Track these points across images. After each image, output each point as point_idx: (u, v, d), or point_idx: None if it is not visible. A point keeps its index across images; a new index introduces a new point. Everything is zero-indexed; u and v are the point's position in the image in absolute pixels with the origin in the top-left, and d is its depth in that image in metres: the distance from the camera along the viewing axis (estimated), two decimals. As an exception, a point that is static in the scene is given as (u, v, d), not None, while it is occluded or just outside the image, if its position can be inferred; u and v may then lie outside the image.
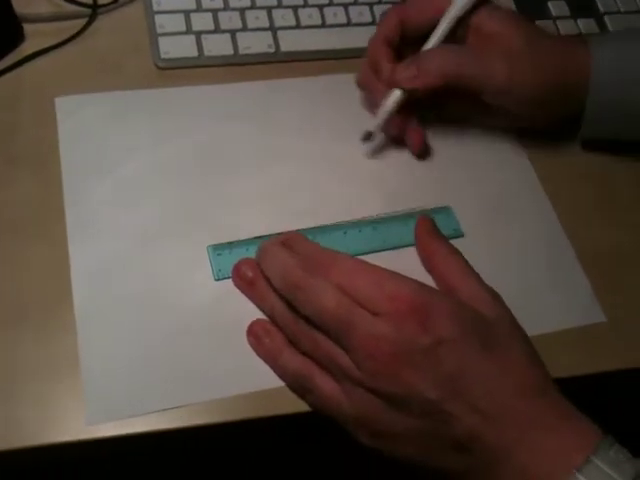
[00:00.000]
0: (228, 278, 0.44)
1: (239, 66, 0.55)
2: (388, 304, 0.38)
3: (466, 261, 0.43)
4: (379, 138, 0.51)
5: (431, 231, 0.46)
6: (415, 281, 0.39)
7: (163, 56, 0.53)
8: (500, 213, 0.51)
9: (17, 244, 0.45)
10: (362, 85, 0.53)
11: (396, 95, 0.49)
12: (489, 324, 0.39)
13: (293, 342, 0.41)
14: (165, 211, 0.47)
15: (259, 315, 0.44)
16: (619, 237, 0.52)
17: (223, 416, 0.41)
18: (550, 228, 0.51)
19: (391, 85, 0.49)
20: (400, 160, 0.52)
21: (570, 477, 0.34)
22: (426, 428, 0.37)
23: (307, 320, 0.39)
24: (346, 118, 0.54)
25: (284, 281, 0.40)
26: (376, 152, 0.52)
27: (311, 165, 0.50)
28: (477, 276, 0.42)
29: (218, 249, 0.45)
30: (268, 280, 0.42)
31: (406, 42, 0.51)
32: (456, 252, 0.44)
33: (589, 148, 0.56)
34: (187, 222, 0.47)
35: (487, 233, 0.50)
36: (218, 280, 0.44)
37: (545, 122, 0.52)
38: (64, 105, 0.51)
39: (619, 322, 0.48)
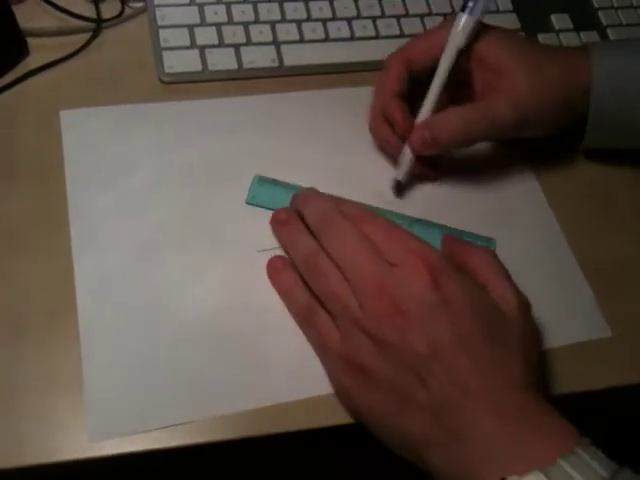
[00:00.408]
0: (257, 206, 0.48)
1: (243, 80, 0.55)
2: (407, 256, 0.40)
3: (501, 263, 0.43)
4: (406, 181, 0.51)
5: (461, 240, 0.46)
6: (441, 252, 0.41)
7: (167, 70, 0.53)
8: (504, 225, 0.51)
9: (20, 257, 0.45)
10: (376, 134, 0.52)
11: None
12: (501, 318, 0.39)
13: (308, 279, 0.43)
14: (168, 223, 0.47)
15: (261, 327, 0.44)
16: (623, 250, 0.52)
17: (226, 434, 0.41)
18: (554, 241, 0.51)
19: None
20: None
21: (552, 466, 0.33)
22: (406, 383, 0.37)
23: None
24: (350, 131, 0.54)
25: (319, 217, 0.43)
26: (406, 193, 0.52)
27: (315, 178, 0.50)
28: (510, 278, 0.42)
29: (262, 180, 0.49)
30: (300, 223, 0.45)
31: (415, 81, 0.51)
32: (492, 252, 0.44)
33: (592, 160, 0.56)
34: (190, 234, 0.47)
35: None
36: (248, 204, 0.49)
37: (547, 133, 0.52)
38: (69, 118, 0.51)
39: (624, 336, 0.48)
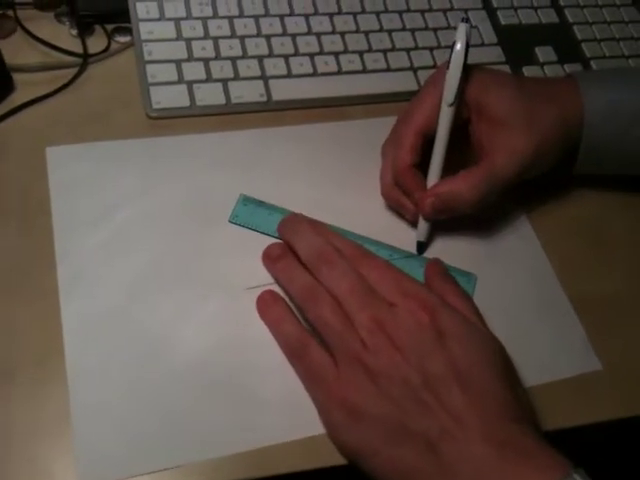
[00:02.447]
0: (239, 226, 0.49)
1: (231, 115, 0.55)
2: (403, 297, 0.41)
3: (475, 305, 0.44)
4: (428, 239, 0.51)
5: (442, 273, 0.47)
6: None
7: (155, 106, 0.53)
8: (492, 260, 0.51)
9: (6, 298, 0.44)
10: (391, 201, 0.52)
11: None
12: (492, 352, 0.41)
13: (306, 310, 0.43)
14: (156, 262, 0.47)
15: (251, 366, 0.44)
16: (612, 284, 0.52)
17: (216, 477, 0.40)
18: (543, 275, 0.51)
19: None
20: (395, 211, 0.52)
21: None
22: (400, 417, 0.38)
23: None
24: (338, 165, 0.54)
25: (314, 253, 0.44)
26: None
27: (304, 211, 0.50)
28: (484, 321, 0.43)
29: (247, 200, 0.50)
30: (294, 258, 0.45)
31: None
32: (466, 295, 0.45)
33: (582, 193, 0.56)
34: (178, 273, 0.47)
35: (480, 282, 0.50)
36: (231, 223, 0.49)
37: (548, 171, 0.52)
38: (55, 155, 0.50)
39: (615, 369, 0.48)
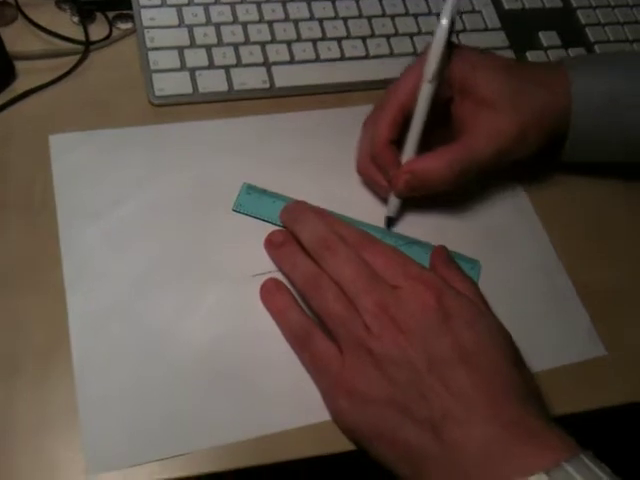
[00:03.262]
0: (243, 214, 0.49)
1: (234, 102, 0.54)
2: (408, 280, 0.41)
3: (480, 291, 0.44)
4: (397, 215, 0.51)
5: (447, 259, 0.46)
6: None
7: (157, 93, 0.53)
8: (497, 247, 0.51)
9: (11, 293, 0.44)
10: (365, 176, 0.52)
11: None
12: (498, 333, 0.40)
13: (309, 298, 0.43)
14: (161, 253, 0.46)
15: (257, 354, 0.44)
16: (617, 270, 0.52)
17: (224, 464, 0.40)
18: (548, 262, 0.51)
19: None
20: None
21: (556, 468, 0.33)
22: (405, 400, 0.38)
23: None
24: (341, 151, 0.53)
25: (317, 240, 0.44)
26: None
27: (307, 199, 0.50)
28: (489, 307, 0.43)
29: (251, 188, 0.50)
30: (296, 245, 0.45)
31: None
32: (472, 280, 0.44)
33: (587, 181, 0.56)
34: (184, 263, 0.46)
35: (484, 269, 0.50)
36: (234, 212, 0.49)
37: (530, 156, 0.51)
38: (58, 143, 0.50)
39: (620, 355, 0.48)
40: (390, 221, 0.51)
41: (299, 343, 0.43)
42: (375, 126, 0.49)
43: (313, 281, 0.43)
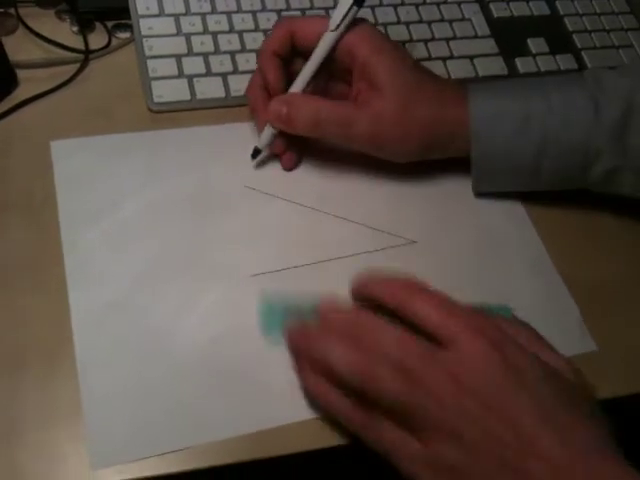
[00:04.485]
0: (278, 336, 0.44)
1: (231, 108, 0.56)
2: (467, 334, 0.38)
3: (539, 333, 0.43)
4: (265, 154, 0.53)
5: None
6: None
7: (156, 100, 0.54)
8: (488, 246, 0.52)
9: (15, 291, 0.45)
10: (249, 96, 0.53)
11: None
12: (567, 383, 0.39)
13: (364, 392, 0.39)
14: (162, 252, 0.48)
15: (257, 350, 0.44)
16: (607, 266, 0.53)
17: (225, 459, 0.41)
18: (538, 259, 0.52)
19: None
20: (393, 195, 0.54)
21: None
22: (490, 468, 0.36)
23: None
24: (336, 154, 0.54)
25: (351, 329, 0.40)
26: (263, 164, 0.53)
27: (303, 200, 0.51)
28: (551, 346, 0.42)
29: (271, 305, 0.46)
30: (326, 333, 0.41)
31: (296, 54, 0.51)
32: (530, 327, 0.43)
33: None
34: (184, 262, 0.48)
35: (475, 265, 0.51)
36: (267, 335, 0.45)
37: (406, 161, 0.52)
38: (60, 149, 0.51)
39: (610, 350, 0.49)
40: (256, 152, 0.52)
41: (367, 436, 0.40)
42: (264, 41, 0.51)
43: (361, 372, 0.38)
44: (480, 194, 0.54)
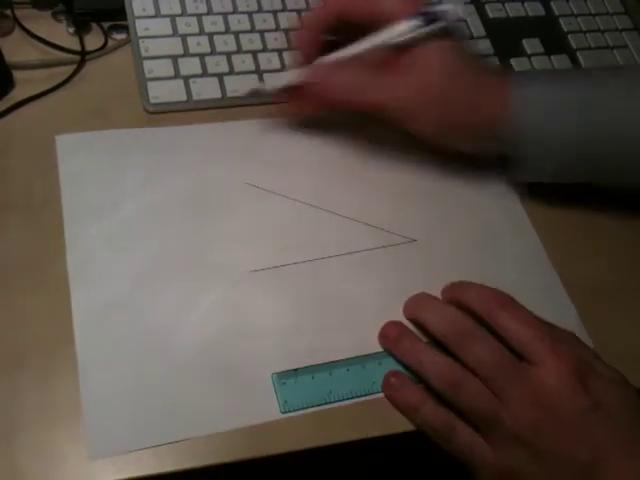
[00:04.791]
0: (295, 411, 0.43)
1: (227, 108, 0.56)
2: (548, 357, 0.40)
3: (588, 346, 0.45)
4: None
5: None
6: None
7: (152, 100, 0.54)
8: (485, 244, 0.53)
9: (16, 290, 0.45)
10: (295, 37, 0.53)
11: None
12: (634, 404, 0.41)
13: (448, 397, 0.42)
14: (163, 251, 0.48)
15: (256, 347, 0.45)
16: (605, 265, 0.53)
17: (221, 457, 0.41)
18: (536, 258, 0.53)
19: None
20: (393, 193, 0.54)
21: None
22: None
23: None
24: (333, 153, 0.55)
25: (451, 328, 0.43)
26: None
27: (301, 198, 0.51)
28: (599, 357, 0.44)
29: (282, 377, 0.44)
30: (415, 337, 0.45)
31: (340, 32, 0.51)
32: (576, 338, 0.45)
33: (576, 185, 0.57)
34: (185, 260, 0.48)
35: (474, 264, 0.51)
36: (285, 413, 0.43)
37: (474, 152, 0.52)
38: (64, 143, 0.51)
39: (606, 348, 0.49)
40: (256, 93, 0.52)
41: (443, 439, 0.42)
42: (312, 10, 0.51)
43: (450, 378, 0.41)
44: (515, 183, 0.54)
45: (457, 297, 0.45)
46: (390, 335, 0.45)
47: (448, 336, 0.43)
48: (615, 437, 0.38)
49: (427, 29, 0.47)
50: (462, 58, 0.49)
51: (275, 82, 0.51)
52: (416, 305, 0.46)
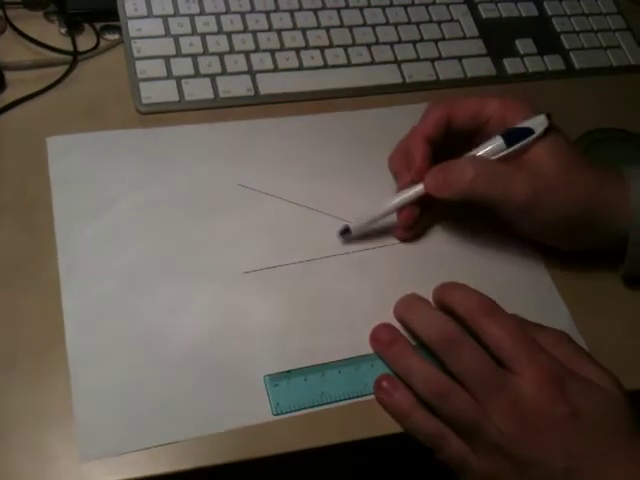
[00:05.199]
0: (287, 413, 0.43)
1: (219, 109, 0.56)
2: (529, 368, 0.41)
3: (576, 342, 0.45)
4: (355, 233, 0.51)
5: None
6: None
7: (144, 101, 0.54)
8: (482, 249, 0.52)
9: (7, 290, 0.45)
10: (390, 165, 0.54)
11: (418, 190, 0.49)
12: (620, 411, 0.41)
13: (432, 405, 0.42)
14: (154, 251, 0.48)
15: (248, 347, 0.45)
16: (597, 266, 0.53)
17: (213, 459, 0.41)
18: (528, 260, 0.53)
19: (415, 181, 0.50)
20: (385, 194, 0.53)
21: None
22: None
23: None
24: (324, 156, 0.55)
25: (437, 334, 0.43)
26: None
27: (294, 199, 0.51)
28: (590, 356, 0.44)
29: (275, 379, 0.44)
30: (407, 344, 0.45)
31: (449, 138, 0.51)
32: (567, 335, 0.45)
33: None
34: (176, 260, 0.48)
35: (465, 263, 0.51)
36: (277, 415, 0.43)
37: (569, 247, 0.52)
38: (55, 145, 0.51)
39: (597, 348, 0.49)
40: (346, 232, 0.50)
41: (432, 445, 0.43)
42: (420, 121, 0.51)
43: (436, 387, 0.42)
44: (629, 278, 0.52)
45: (443, 299, 0.46)
46: (382, 339, 0.45)
47: (434, 341, 0.43)
48: (593, 444, 0.39)
49: (521, 144, 0.48)
50: (573, 154, 0.49)
51: (399, 201, 0.50)
52: (405, 307, 0.46)
